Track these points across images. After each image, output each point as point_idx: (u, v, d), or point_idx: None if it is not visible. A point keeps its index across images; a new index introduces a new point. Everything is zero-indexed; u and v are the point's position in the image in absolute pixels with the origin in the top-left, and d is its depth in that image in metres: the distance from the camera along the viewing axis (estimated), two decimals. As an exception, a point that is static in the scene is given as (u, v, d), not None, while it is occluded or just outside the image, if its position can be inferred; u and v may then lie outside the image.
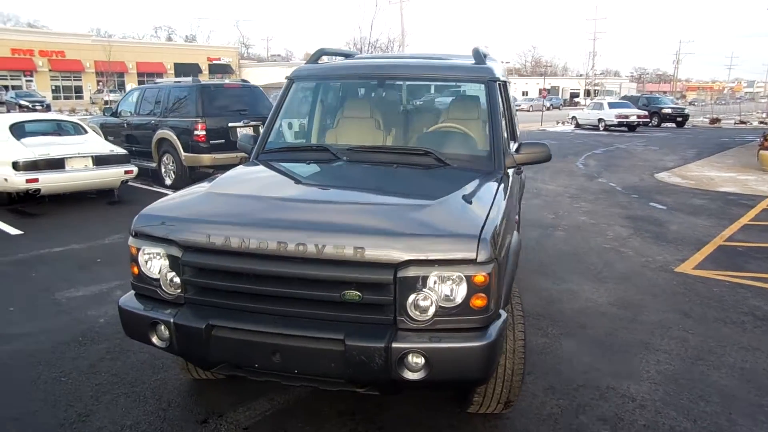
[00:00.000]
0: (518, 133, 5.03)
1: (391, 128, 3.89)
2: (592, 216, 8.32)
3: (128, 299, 2.71)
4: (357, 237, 2.32)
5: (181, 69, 51.37)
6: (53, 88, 48.30)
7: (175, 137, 9.85)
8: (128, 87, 40.38)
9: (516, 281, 2.84)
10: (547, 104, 39.21)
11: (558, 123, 33.88)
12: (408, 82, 4.19)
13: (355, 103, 4.09)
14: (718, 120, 33.77)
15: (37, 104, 33.76)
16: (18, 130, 8.46)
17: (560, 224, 7.76)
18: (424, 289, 2.29)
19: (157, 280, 2.60)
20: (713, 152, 17.38)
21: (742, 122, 33.46)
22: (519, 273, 3.11)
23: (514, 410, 3.09)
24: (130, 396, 3.28)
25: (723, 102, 60.12)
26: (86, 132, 9.34)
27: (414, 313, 2.32)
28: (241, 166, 3.55)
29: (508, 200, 2.94)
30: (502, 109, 3.66)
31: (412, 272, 2.27)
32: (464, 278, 2.27)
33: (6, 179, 7.76)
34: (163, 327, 2.52)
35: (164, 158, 10.24)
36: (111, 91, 44.58)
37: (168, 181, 10.23)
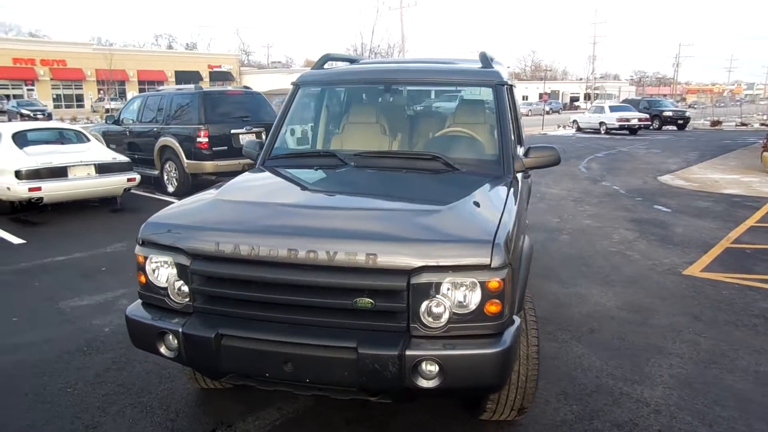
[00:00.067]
0: (524, 137, 5.00)
1: (397, 133, 3.86)
2: (597, 219, 8.28)
3: (135, 308, 2.67)
4: (369, 243, 2.29)
5: (182, 77, 51.51)
6: (54, 96, 48.41)
7: (177, 144, 9.83)
8: (129, 95, 40.49)
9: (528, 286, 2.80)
10: (547, 108, 39.14)
11: (559, 127, 33.88)
12: (415, 87, 4.16)
13: (362, 108, 4.07)
14: (719, 122, 33.75)
15: (38, 113, 33.81)
16: (20, 139, 8.45)
17: (565, 228, 7.72)
18: (437, 296, 2.25)
19: (165, 289, 2.56)
20: (715, 154, 17.35)
21: (743, 124, 33.44)
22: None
23: (527, 417, 3.05)
24: (137, 407, 3.23)
25: (722, 104, 60.15)
26: (89, 140, 9.33)
27: (427, 320, 2.28)
28: (247, 172, 3.52)
29: (519, 204, 2.91)
30: (509, 112, 3.63)
31: (425, 279, 2.23)
32: (478, 284, 2.23)
33: (8, 188, 7.74)
34: (171, 337, 2.48)
35: (167, 166, 10.22)
36: (112, 99, 44.70)
37: (170, 189, 10.20)
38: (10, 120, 28.95)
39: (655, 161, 15.81)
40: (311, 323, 2.35)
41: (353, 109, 4.04)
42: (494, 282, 2.23)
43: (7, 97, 42.27)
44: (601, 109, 29.55)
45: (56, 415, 3.15)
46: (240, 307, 2.43)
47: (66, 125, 10.72)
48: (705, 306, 4.79)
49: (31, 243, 6.91)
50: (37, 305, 4.85)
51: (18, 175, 7.69)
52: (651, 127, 29.38)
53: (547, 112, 37.65)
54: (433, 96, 4.73)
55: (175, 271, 2.52)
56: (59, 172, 8.04)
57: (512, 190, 3.01)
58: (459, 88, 4.34)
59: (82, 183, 8.23)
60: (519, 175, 3.42)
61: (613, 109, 28.88)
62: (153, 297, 2.62)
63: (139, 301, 2.71)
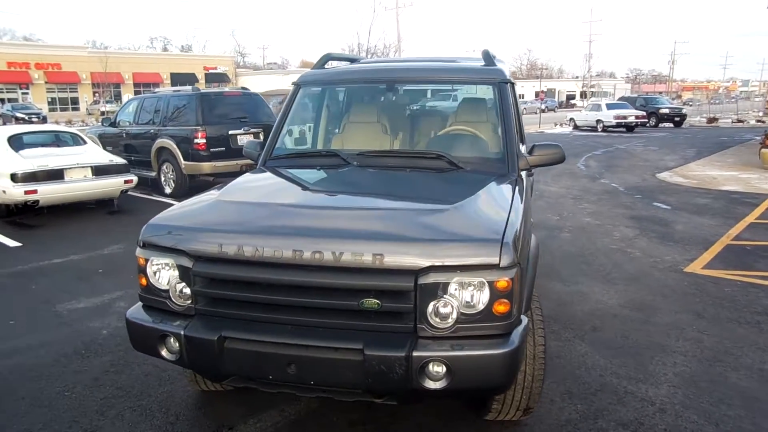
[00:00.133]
0: (525, 135, 4.97)
1: (400, 132, 3.83)
2: (597, 217, 8.26)
3: (136, 311, 2.63)
4: (375, 243, 2.25)
5: (178, 79, 51.37)
6: (49, 100, 48.22)
7: (174, 146, 9.78)
8: (125, 98, 40.34)
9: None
10: (542, 107, 39.15)
11: (556, 125, 33.91)
12: (418, 86, 4.13)
13: (364, 107, 4.03)
14: (715, 119, 33.80)
15: (33, 116, 33.72)
16: (16, 142, 8.39)
17: (565, 225, 7.70)
18: (444, 296, 2.22)
19: (167, 291, 2.52)
20: (713, 151, 17.36)
21: (739, 121, 33.50)
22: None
23: (532, 416, 3.02)
24: (136, 410, 3.19)
25: (718, 101, 60.28)
26: (85, 143, 9.27)
27: (434, 321, 2.24)
28: (248, 173, 3.48)
29: (525, 203, 2.88)
30: (513, 110, 3.60)
31: (432, 279, 2.20)
32: (486, 284, 2.20)
33: (4, 191, 7.68)
34: (172, 339, 2.44)
35: (164, 167, 10.17)
36: (107, 102, 44.58)
37: (168, 190, 10.15)
38: (5, 123, 28.82)
39: (652, 158, 15.81)
40: (316, 324, 2.32)
41: (355, 108, 4.00)
42: (503, 281, 2.20)
43: (2, 100, 42.12)
44: (598, 107, 29.57)
45: (54, 419, 3.11)
46: (243, 309, 2.40)
47: (62, 128, 10.65)
48: (707, 303, 4.77)
49: (28, 246, 6.85)
50: (34, 308, 4.80)
51: (14, 178, 7.63)
52: (648, 125, 29.40)
53: (542, 111, 37.59)
54: (434, 95, 4.69)
55: (176, 273, 2.48)
56: (55, 175, 7.98)
57: (518, 188, 2.98)
58: (461, 87, 4.31)
59: (79, 185, 8.18)
60: (523, 174, 3.39)
61: (610, 106, 28.89)
62: (154, 299, 2.57)
63: (140, 303, 2.67)
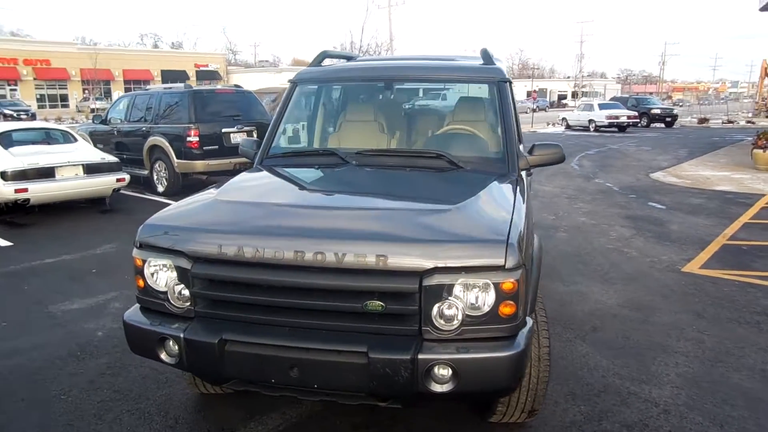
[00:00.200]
0: (522, 134, 4.94)
1: (398, 131, 3.78)
2: (592, 216, 8.26)
3: (133, 313, 2.57)
4: (379, 244, 2.21)
5: (168, 76, 50.98)
6: (38, 96, 47.73)
7: (167, 144, 9.68)
8: (115, 95, 40.02)
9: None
10: (533, 106, 39.21)
11: (548, 124, 34.00)
12: (416, 84, 4.08)
13: (361, 105, 3.98)
14: (706, 120, 34.01)
15: (22, 113, 33.32)
16: (5, 140, 8.26)
17: (561, 225, 7.69)
18: (449, 298, 2.18)
19: (165, 293, 2.46)
20: (705, 151, 17.45)
21: (729, 122, 33.72)
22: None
23: (537, 418, 2.98)
24: (134, 413, 3.13)
25: (707, 102, 60.74)
26: (76, 140, 9.15)
27: (439, 323, 2.20)
28: (245, 172, 3.42)
29: (527, 203, 2.84)
30: (513, 109, 3.57)
31: (437, 280, 2.16)
32: (492, 285, 2.16)
33: (-6, 190, 7.55)
34: (172, 342, 2.38)
35: (156, 165, 10.06)
36: (97, 99, 44.19)
37: (160, 189, 10.05)
38: (-7, 120, 28.47)
39: (645, 158, 15.87)
40: (318, 327, 2.27)
41: (353, 106, 3.95)
42: (508, 283, 2.16)
43: (-10, 97, 41.64)
44: (590, 107, 29.69)
45: (50, 423, 3.04)
46: (244, 311, 2.34)
47: (53, 125, 10.51)
48: (707, 303, 4.77)
49: (19, 245, 6.74)
50: (26, 309, 4.71)
51: (3, 176, 7.51)
52: (639, 125, 29.57)
53: (533, 110, 37.65)
54: (435, 93, 4.64)
55: (175, 274, 2.42)
56: (46, 173, 7.86)
57: (519, 188, 2.94)
58: (453, 86, 4.26)
59: (70, 184, 8.06)
60: (523, 173, 3.36)
61: (602, 106, 29.03)
62: (152, 301, 2.51)
63: (137, 305, 2.60)
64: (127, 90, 40.84)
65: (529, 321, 2.37)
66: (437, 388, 2.18)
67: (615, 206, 9.02)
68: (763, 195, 9.79)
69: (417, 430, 2.97)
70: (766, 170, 12.57)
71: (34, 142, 8.59)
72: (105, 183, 8.42)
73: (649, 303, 4.79)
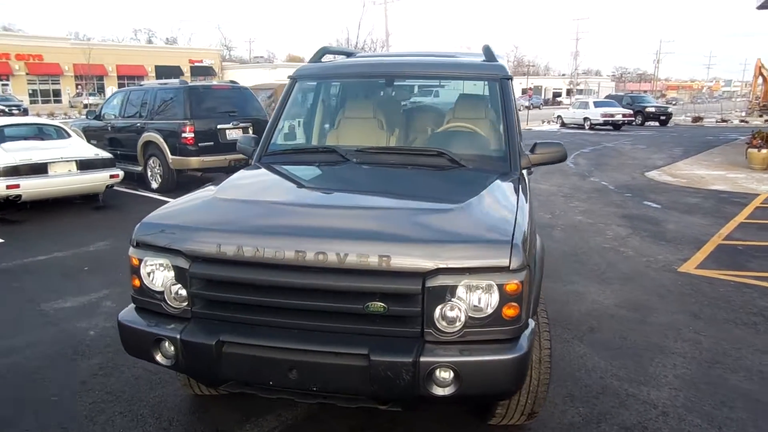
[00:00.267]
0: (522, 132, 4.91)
1: (398, 128, 3.74)
2: (589, 215, 8.25)
3: (128, 314, 2.52)
4: (382, 244, 2.17)
5: (163, 71, 50.60)
6: (30, 92, 47.33)
7: (162, 140, 9.59)
8: (108, 90, 39.76)
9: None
10: (527, 104, 39.27)
11: (544, 122, 34.04)
12: (419, 81, 4.03)
13: (362, 102, 3.93)
14: (700, 118, 34.15)
15: (13, 108, 32.98)
16: (-3, 135, 8.16)
17: (557, 224, 7.67)
18: (452, 299, 2.14)
19: (161, 293, 2.42)
20: (700, 150, 17.51)
21: (723, 121, 33.86)
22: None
23: (536, 420, 2.96)
24: (127, 415, 3.08)
25: (700, 101, 60.99)
26: (69, 136, 9.05)
27: (442, 325, 2.17)
28: (244, 169, 3.37)
29: (530, 202, 2.81)
30: (514, 107, 3.53)
31: (440, 281, 2.12)
32: (495, 287, 2.13)
33: (-15, 185, 7.45)
34: (168, 344, 2.34)
35: (150, 161, 9.97)
36: (90, 95, 43.85)
37: (154, 185, 9.96)
38: (-15, 115, 28.17)
39: (640, 157, 15.90)
40: (319, 329, 2.23)
41: (353, 103, 3.90)
42: (512, 284, 2.13)
43: (-19, 91, 41.26)
44: (585, 105, 29.75)
45: (41, 425, 2.99)
46: (242, 312, 2.30)
47: (45, 120, 10.39)
48: (703, 304, 4.76)
49: (10, 242, 6.66)
50: (18, 307, 4.64)
51: (-5, 171, 7.41)
52: (634, 123, 29.66)
53: (528, 108, 37.69)
54: (435, 90, 4.59)
55: (172, 274, 2.37)
56: (39, 169, 7.76)
57: (521, 187, 2.91)
58: (449, 83, 4.22)
59: (63, 180, 7.96)
60: (524, 172, 3.33)
61: (597, 104, 29.09)
62: (148, 302, 2.47)
63: (132, 305, 2.56)
64: (120, 85, 40.55)
65: (532, 323, 2.34)
66: (439, 391, 2.15)
67: (611, 205, 9.02)
68: (758, 195, 9.81)
69: (415, 432, 2.94)
70: (761, 170, 12.61)
71: (26, 138, 8.49)
72: (98, 179, 8.32)
73: (646, 303, 4.77)
